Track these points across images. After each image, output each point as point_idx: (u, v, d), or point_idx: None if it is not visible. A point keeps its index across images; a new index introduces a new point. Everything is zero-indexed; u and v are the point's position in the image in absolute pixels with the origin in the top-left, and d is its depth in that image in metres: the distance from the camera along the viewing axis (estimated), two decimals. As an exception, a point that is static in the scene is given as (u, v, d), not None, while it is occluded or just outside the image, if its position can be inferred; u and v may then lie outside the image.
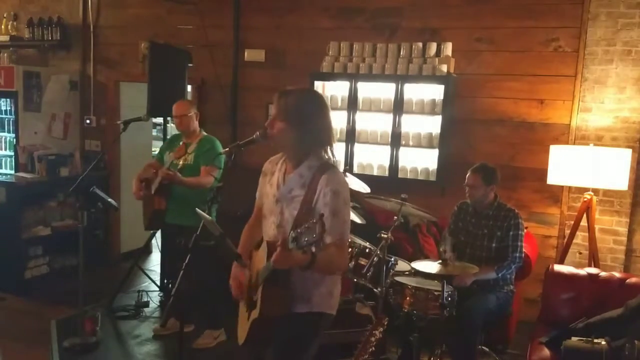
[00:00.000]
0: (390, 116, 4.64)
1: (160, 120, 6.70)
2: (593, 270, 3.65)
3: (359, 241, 3.58)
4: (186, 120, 4.08)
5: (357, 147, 4.82)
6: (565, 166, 3.99)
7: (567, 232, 4.28)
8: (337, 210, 2.09)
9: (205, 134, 4.21)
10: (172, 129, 9.43)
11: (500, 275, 3.49)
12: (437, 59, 4.56)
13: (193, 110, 4.15)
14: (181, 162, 4.06)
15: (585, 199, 4.07)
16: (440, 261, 3.23)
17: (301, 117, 2.16)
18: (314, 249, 1.94)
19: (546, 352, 3.12)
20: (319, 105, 2.21)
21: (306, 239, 1.86)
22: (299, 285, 2.18)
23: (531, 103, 4.49)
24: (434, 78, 4.52)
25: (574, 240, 4.20)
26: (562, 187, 4.37)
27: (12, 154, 5.61)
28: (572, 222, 4.21)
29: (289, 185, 2.22)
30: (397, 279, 3.49)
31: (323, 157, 2.22)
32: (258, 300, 2.17)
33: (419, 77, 4.56)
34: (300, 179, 2.19)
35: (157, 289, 4.99)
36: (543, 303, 3.64)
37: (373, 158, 4.84)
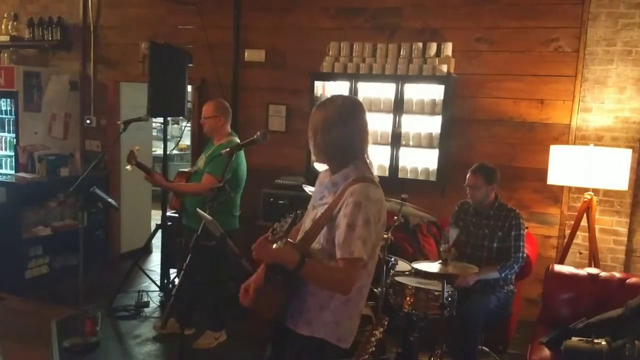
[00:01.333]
0: (391, 116, 4.64)
1: (160, 120, 6.71)
2: (593, 270, 3.65)
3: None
4: (207, 122, 3.98)
5: (357, 147, 4.80)
6: (566, 166, 3.99)
7: (568, 232, 4.28)
8: (354, 225, 1.96)
9: (230, 138, 3.99)
10: (172, 129, 9.45)
11: (502, 275, 3.49)
12: (437, 59, 4.56)
13: (216, 113, 3.96)
14: (198, 165, 4.00)
15: (586, 199, 4.07)
16: (440, 261, 3.23)
17: (323, 128, 2.09)
18: (283, 242, 1.91)
19: (546, 352, 3.12)
20: (342, 114, 2.12)
21: (279, 229, 1.88)
22: (305, 301, 2.10)
23: (531, 103, 4.49)
24: (434, 78, 4.52)
25: (574, 241, 4.20)
26: (563, 187, 4.37)
27: (13, 154, 5.61)
28: (573, 222, 4.21)
29: (321, 192, 2.18)
30: (398, 279, 3.49)
31: (362, 168, 2.14)
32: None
33: (419, 77, 4.56)
34: (333, 186, 2.13)
35: (157, 289, 4.99)
36: (543, 303, 3.64)
37: (373, 158, 4.74)
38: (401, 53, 4.70)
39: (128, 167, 3.83)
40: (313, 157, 2.18)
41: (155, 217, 5.98)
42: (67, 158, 5.74)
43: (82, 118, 6.15)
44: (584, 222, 4.12)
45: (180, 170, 4.31)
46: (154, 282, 5.06)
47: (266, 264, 2.09)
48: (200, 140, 5.54)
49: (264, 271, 2.11)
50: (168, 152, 5.17)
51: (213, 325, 4.08)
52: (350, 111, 2.14)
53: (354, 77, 4.73)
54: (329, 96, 2.21)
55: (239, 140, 3.97)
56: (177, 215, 4.14)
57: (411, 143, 4.63)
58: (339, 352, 2.14)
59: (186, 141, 8.62)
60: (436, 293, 3.25)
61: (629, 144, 4.18)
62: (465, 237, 3.67)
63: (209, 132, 4.07)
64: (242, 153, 3.89)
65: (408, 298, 3.34)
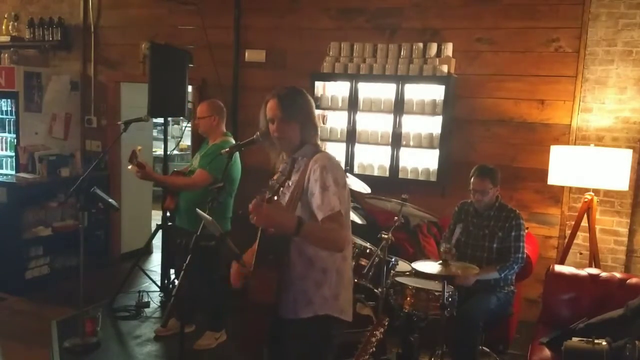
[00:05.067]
0: (391, 116, 4.64)
1: (160, 120, 6.71)
2: (594, 270, 3.64)
3: (359, 242, 3.58)
4: (202, 122, 4.01)
5: (358, 148, 4.82)
6: (566, 166, 3.98)
7: (568, 232, 4.28)
8: (326, 185, 2.09)
9: (225, 138, 4.01)
10: (172, 129, 9.45)
11: (502, 275, 3.49)
12: (437, 60, 4.56)
13: (210, 112, 3.98)
14: (193, 164, 4.03)
15: (586, 200, 4.07)
16: (441, 261, 3.23)
17: (305, 113, 2.25)
18: (286, 185, 2.02)
19: (547, 352, 3.12)
20: (309, 99, 2.32)
21: (278, 181, 1.96)
22: (298, 286, 2.18)
23: (532, 103, 4.49)
24: (434, 78, 4.52)
25: (575, 241, 4.20)
26: (563, 187, 4.37)
27: (13, 154, 5.61)
28: (573, 223, 4.21)
29: (283, 173, 2.25)
30: (398, 279, 3.49)
31: (316, 146, 2.29)
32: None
33: (419, 78, 4.56)
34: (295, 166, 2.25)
35: (158, 289, 4.99)
36: (544, 303, 3.64)
37: (373, 158, 4.84)
38: (402, 53, 4.70)
39: (129, 167, 3.83)
40: (287, 144, 2.28)
41: (156, 217, 5.98)
42: (68, 158, 5.74)
43: (83, 118, 6.15)
44: (584, 223, 4.11)
45: (175, 170, 4.32)
46: (154, 282, 5.06)
47: (258, 246, 2.15)
48: (200, 140, 5.53)
49: (255, 253, 2.15)
50: (168, 153, 5.18)
51: (213, 325, 4.09)
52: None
53: (355, 77, 4.74)
54: (290, 87, 2.31)
55: (233, 140, 4.02)
56: (169, 216, 4.13)
57: (411, 143, 4.63)
58: (342, 324, 2.25)
59: (186, 141, 8.63)
60: (437, 293, 3.24)
61: (629, 144, 4.18)
62: (466, 237, 3.66)
63: (204, 132, 4.08)
64: (236, 155, 3.87)
65: (408, 298, 3.34)
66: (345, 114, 4.80)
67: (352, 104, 4.76)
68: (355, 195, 3.96)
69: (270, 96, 2.27)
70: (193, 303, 4.09)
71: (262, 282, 2.13)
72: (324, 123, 4.93)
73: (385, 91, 4.68)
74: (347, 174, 3.61)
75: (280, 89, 2.29)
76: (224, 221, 3.94)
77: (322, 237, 2.07)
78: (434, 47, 4.62)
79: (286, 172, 2.11)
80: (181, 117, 7.19)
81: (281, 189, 2.05)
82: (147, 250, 5.76)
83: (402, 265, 3.67)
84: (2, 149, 5.82)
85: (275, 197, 2.02)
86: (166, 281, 4.98)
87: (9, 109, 5.62)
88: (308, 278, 2.18)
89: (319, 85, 4.92)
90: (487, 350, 3.69)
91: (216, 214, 3.57)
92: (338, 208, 2.07)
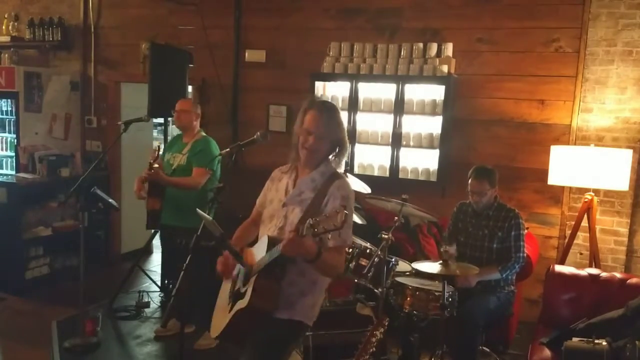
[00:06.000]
0: (391, 117, 4.64)
1: (161, 120, 6.71)
2: (594, 270, 3.64)
3: (359, 242, 3.58)
4: (184, 116, 4.09)
5: (358, 148, 4.82)
6: (566, 167, 3.98)
7: (568, 232, 4.28)
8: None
9: (203, 135, 4.20)
10: (172, 129, 9.44)
11: (504, 275, 3.49)
12: (437, 60, 4.56)
13: (194, 108, 4.15)
14: (175, 163, 4.08)
15: (586, 200, 4.07)
16: (441, 262, 3.23)
17: (342, 135, 2.30)
18: (329, 237, 2.02)
19: (547, 352, 3.12)
20: (341, 119, 2.34)
21: (324, 226, 1.89)
22: (285, 290, 2.22)
23: (532, 103, 4.49)
24: (434, 78, 4.52)
25: (575, 241, 4.20)
26: (563, 187, 4.37)
27: (13, 154, 5.62)
28: (573, 223, 4.20)
29: (299, 188, 2.30)
30: (398, 279, 3.48)
31: (330, 165, 2.33)
32: (248, 291, 2.18)
33: (419, 78, 4.56)
34: (312, 183, 2.29)
35: (158, 289, 4.99)
36: (544, 303, 3.63)
37: (374, 158, 4.84)
38: (402, 53, 4.70)
39: (156, 165, 3.94)
40: (304, 156, 2.29)
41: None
42: (68, 158, 5.74)
43: (83, 118, 6.16)
44: (584, 223, 4.11)
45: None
46: (154, 282, 5.06)
47: (265, 261, 2.17)
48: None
49: (261, 270, 2.16)
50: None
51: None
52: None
53: (355, 77, 4.74)
54: (322, 98, 2.35)
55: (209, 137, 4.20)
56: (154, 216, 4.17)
57: (412, 143, 4.63)
58: (306, 330, 2.39)
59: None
60: (437, 293, 3.24)
61: (629, 144, 4.18)
62: (465, 238, 3.66)
63: (182, 126, 4.16)
64: (214, 141, 4.13)
65: (409, 298, 3.34)
66: (345, 114, 4.79)
67: (352, 104, 4.76)
68: (355, 195, 3.96)
69: (315, 107, 2.27)
70: (192, 302, 4.08)
71: (264, 291, 2.17)
72: None
73: (385, 91, 4.68)
74: (348, 174, 3.62)
75: (325, 102, 2.34)
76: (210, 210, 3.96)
77: (330, 265, 2.16)
78: (434, 47, 4.62)
79: (339, 223, 1.89)
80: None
81: (321, 235, 1.97)
82: (147, 250, 5.76)
83: (402, 265, 3.67)
84: (2, 149, 5.83)
85: (316, 239, 2.00)
86: (166, 281, 4.98)
87: (9, 109, 5.63)
88: (295, 286, 2.24)
89: (319, 86, 4.91)
90: (487, 350, 3.69)
91: (201, 203, 3.61)
92: (349, 242, 2.25)
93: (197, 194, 3.92)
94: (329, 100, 2.39)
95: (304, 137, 2.27)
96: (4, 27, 6.20)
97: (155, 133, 7.01)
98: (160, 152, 4.15)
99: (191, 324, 4.22)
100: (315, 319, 2.38)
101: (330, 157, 2.32)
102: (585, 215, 4.08)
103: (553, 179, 4.09)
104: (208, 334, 4.05)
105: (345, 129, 2.33)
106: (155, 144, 4.10)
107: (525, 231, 3.62)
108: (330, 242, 2.14)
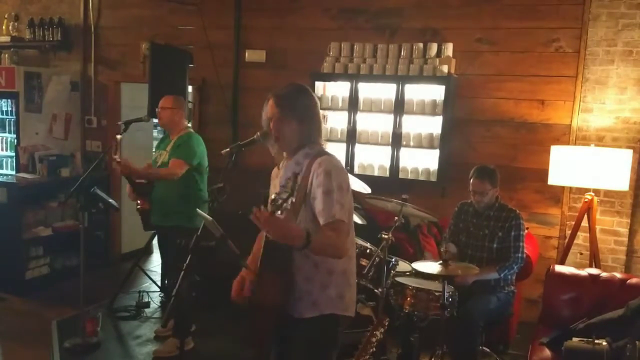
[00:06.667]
0: (391, 117, 4.64)
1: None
2: (594, 270, 3.64)
3: (359, 242, 3.58)
4: (163, 113, 4.04)
5: (358, 148, 4.82)
6: (566, 167, 3.98)
7: (568, 232, 4.28)
8: (330, 190, 2.06)
9: (189, 131, 4.16)
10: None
11: (502, 275, 3.49)
12: (437, 60, 4.56)
13: (175, 105, 4.05)
14: (160, 161, 4.07)
15: (586, 200, 4.07)
16: (441, 262, 3.23)
17: (305, 111, 2.22)
18: (289, 202, 1.92)
19: (547, 352, 3.12)
20: (312, 97, 2.28)
21: (281, 197, 1.88)
22: (304, 287, 2.16)
23: (532, 103, 4.49)
24: (434, 78, 4.52)
25: (575, 241, 4.20)
26: (563, 187, 4.37)
27: (13, 154, 5.62)
28: (573, 223, 4.20)
29: (285, 174, 2.21)
30: (398, 279, 3.49)
31: (318, 145, 2.26)
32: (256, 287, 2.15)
33: (419, 78, 4.56)
34: (297, 166, 2.20)
35: (158, 289, 4.99)
36: (544, 304, 3.63)
37: (374, 159, 4.84)
38: (402, 53, 4.70)
39: (118, 159, 3.86)
40: (287, 143, 2.24)
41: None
42: (68, 158, 5.75)
43: (83, 118, 6.16)
44: (584, 223, 4.11)
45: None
46: (154, 282, 5.06)
47: (264, 250, 2.13)
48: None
49: (260, 262, 2.14)
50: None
51: (176, 331, 3.93)
52: (314, 94, 2.31)
53: (355, 77, 4.74)
54: (292, 84, 2.29)
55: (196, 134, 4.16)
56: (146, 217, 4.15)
57: (412, 143, 4.63)
58: (347, 320, 2.25)
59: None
60: (437, 293, 3.24)
61: (629, 144, 4.18)
62: (466, 237, 3.66)
63: (165, 124, 4.12)
64: (199, 137, 4.09)
65: (409, 298, 3.34)
66: (345, 114, 4.80)
67: (353, 104, 4.76)
68: (355, 195, 3.95)
69: (270, 94, 2.26)
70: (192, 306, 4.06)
71: (267, 284, 2.11)
72: (324, 123, 4.94)
73: (385, 91, 4.68)
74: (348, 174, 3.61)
75: (281, 87, 2.27)
76: (204, 206, 3.94)
77: (326, 245, 2.04)
78: (434, 47, 4.62)
79: (289, 188, 1.95)
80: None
81: (284, 204, 1.94)
82: (147, 250, 5.76)
83: (402, 266, 3.67)
84: (2, 149, 5.82)
85: (279, 213, 1.93)
86: (166, 281, 4.98)
87: (9, 109, 5.62)
88: (314, 280, 2.17)
89: (319, 86, 4.92)
90: (488, 350, 3.69)
91: (195, 202, 3.60)
92: (339, 216, 2.05)
93: (180, 192, 3.90)
94: (295, 84, 2.28)
95: (270, 127, 2.24)
96: (4, 27, 6.20)
97: (155, 133, 7.00)
98: (119, 141, 4.04)
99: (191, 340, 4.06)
100: (352, 309, 2.27)
101: (310, 138, 2.23)
102: (586, 215, 4.08)
103: (553, 179, 4.09)
104: (171, 340, 3.90)
105: (310, 104, 2.23)
106: (119, 137, 4.03)
107: (525, 231, 3.62)
108: (320, 219, 2.05)
